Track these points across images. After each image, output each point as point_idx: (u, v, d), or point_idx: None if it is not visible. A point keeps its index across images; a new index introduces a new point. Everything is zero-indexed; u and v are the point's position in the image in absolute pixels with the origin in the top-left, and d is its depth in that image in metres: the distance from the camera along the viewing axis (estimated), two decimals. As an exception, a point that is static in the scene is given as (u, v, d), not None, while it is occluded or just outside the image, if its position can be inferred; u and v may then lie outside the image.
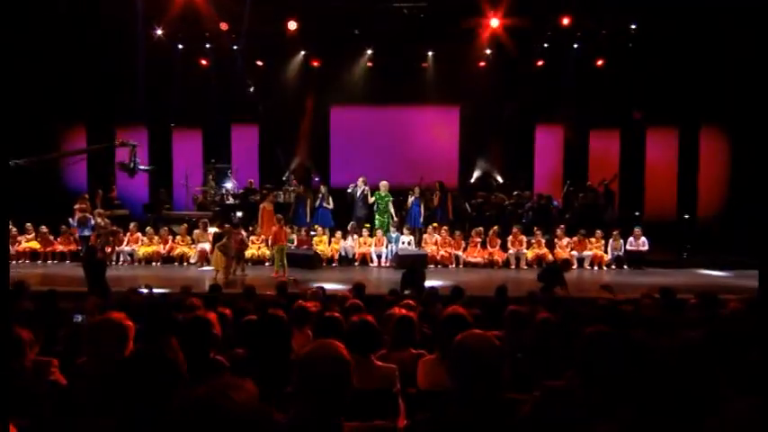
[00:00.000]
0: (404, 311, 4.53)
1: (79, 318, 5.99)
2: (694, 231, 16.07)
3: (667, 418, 2.45)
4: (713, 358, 3.11)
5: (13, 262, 14.17)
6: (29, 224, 14.75)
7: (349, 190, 15.88)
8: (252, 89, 19.39)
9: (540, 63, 18.41)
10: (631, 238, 14.57)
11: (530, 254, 14.32)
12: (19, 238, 14.68)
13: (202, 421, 1.76)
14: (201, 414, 1.77)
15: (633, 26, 17.06)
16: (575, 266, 13.71)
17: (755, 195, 16.11)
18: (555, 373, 3.27)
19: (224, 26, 17.07)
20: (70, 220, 14.57)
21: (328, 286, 9.18)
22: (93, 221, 13.94)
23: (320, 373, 2.32)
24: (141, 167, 13.66)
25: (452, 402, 2.45)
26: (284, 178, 18.47)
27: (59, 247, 14.79)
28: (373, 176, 16.09)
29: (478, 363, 2.40)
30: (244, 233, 14.00)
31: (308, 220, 15.49)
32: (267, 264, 14.12)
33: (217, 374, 2.70)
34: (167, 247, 14.74)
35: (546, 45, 18.10)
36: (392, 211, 15.41)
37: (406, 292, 8.84)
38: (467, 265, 14.32)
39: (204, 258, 14.23)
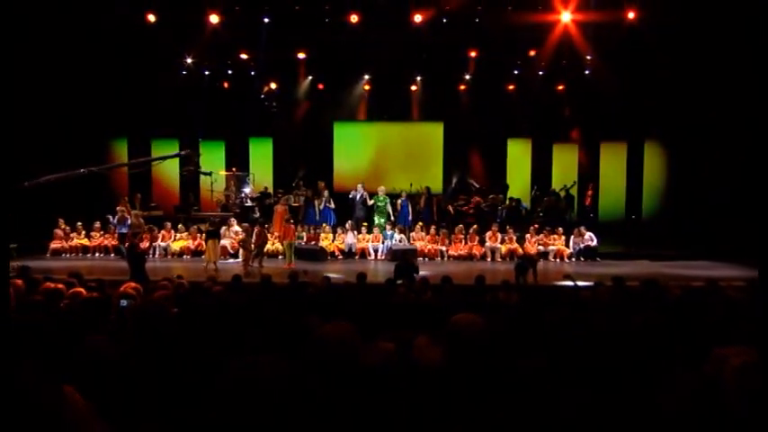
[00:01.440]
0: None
1: (125, 303, 6.24)
2: (639, 229, 16.16)
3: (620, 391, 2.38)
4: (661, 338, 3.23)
5: (67, 255, 14.28)
6: (79, 223, 14.74)
7: (350, 195, 15.83)
8: (274, 108, 19.38)
9: (511, 87, 18.49)
10: (579, 237, 14.33)
11: (503, 248, 14.18)
12: (72, 235, 14.65)
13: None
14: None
15: (588, 57, 17.10)
16: (540, 261, 13.63)
17: (689, 199, 16.49)
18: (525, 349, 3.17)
19: (244, 55, 17.36)
20: (111, 218, 14.66)
21: (333, 276, 9.18)
22: (129, 220, 14.14)
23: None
24: (201, 171, 13.97)
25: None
26: (293, 184, 18.55)
27: (104, 243, 14.69)
28: (370, 182, 16.17)
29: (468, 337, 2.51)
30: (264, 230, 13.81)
31: (317, 218, 15.46)
32: (280, 257, 14.06)
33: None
34: (196, 242, 14.65)
35: (516, 72, 18.19)
36: (389, 210, 15.27)
37: (399, 281, 8.81)
38: (450, 258, 14.23)
39: (227, 253, 14.16)
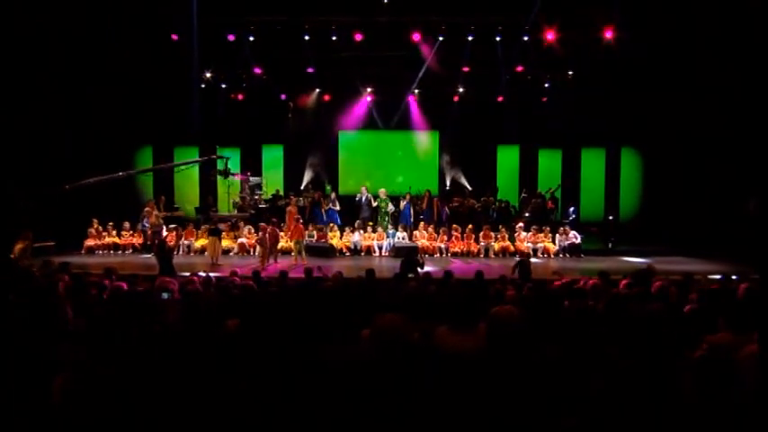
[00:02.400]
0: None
1: (165, 295, 5.85)
2: (617, 228, 16.05)
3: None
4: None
5: (99, 252, 14.30)
6: (111, 223, 14.75)
7: (357, 198, 15.87)
8: (289, 115, 19.25)
9: (500, 99, 18.49)
10: (562, 236, 14.32)
11: (497, 246, 14.21)
12: (104, 234, 14.66)
13: None
14: None
15: (570, 72, 17.38)
16: (532, 257, 13.64)
17: (662, 201, 16.65)
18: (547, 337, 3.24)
19: (257, 70, 17.43)
20: (144, 221, 14.65)
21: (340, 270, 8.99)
22: (149, 220, 14.13)
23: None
24: (232, 173, 14.17)
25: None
26: (302, 187, 18.59)
27: (132, 241, 14.69)
28: (372, 186, 16.27)
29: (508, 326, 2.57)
30: (278, 230, 13.71)
31: (324, 219, 15.47)
32: (292, 254, 13.72)
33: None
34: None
35: (505, 85, 18.16)
36: (391, 209, 15.29)
37: (410, 275, 8.87)
38: (449, 254, 14.25)
39: (244, 249, 14.23)
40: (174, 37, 15.54)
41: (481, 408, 2.20)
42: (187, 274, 9.01)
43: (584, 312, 3.67)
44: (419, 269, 9.59)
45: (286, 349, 2.72)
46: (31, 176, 13.30)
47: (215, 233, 12.97)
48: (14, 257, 10.95)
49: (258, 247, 13.37)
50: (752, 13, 11.09)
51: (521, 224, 14.74)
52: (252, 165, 18.87)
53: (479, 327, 3.23)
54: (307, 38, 15.93)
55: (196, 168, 17.85)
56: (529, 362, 2.43)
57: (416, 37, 15.95)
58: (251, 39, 15.97)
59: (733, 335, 2.89)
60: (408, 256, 10.69)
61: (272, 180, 18.70)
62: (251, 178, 17.92)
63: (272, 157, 19.82)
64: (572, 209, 16.62)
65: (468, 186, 18.86)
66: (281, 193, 17.77)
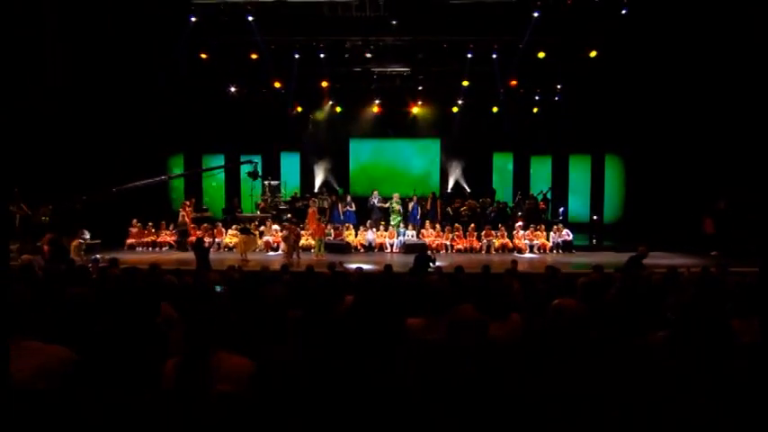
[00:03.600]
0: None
1: (219, 288, 5.67)
2: (601, 228, 16.25)
3: None
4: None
5: (139, 249, 14.55)
6: (150, 222, 14.96)
7: (369, 201, 16.20)
8: (309, 126, 19.46)
9: (495, 109, 18.70)
10: (556, 233, 14.58)
11: (497, 242, 14.42)
12: (143, 232, 14.87)
13: None
14: None
15: (559, 87, 17.69)
16: (528, 252, 14.07)
17: (643, 202, 16.94)
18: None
19: (277, 84, 17.71)
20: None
21: (353, 266, 9.24)
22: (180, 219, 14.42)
23: None
24: (260, 175, 14.73)
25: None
26: (316, 190, 18.79)
27: (167, 239, 14.84)
28: (381, 189, 16.62)
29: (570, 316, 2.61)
30: (299, 229, 13.93)
31: (341, 219, 15.76)
32: (312, 251, 14.02)
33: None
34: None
35: (500, 97, 18.25)
36: (399, 209, 15.49)
37: (431, 268, 9.04)
38: (454, 251, 14.40)
39: (269, 247, 14.37)
40: (204, 56, 15.85)
41: (518, 391, 2.16)
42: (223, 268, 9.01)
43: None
44: (432, 264, 9.73)
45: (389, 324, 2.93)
46: (79, 181, 13.61)
47: (245, 232, 13.21)
48: (71, 254, 11.33)
49: (282, 245, 13.64)
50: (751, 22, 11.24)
51: (520, 223, 14.97)
52: (271, 170, 19.06)
53: (512, 316, 3.31)
54: (322, 56, 16.25)
55: (222, 173, 18.13)
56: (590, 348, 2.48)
57: (420, 55, 16.27)
58: (272, 56, 16.25)
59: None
60: (422, 252, 10.89)
61: (290, 184, 18.85)
62: (271, 182, 18.28)
63: (290, 162, 20.00)
64: (561, 209, 16.92)
65: (468, 189, 19.05)
66: (298, 195, 17.96)
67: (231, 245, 14.49)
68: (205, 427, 2.14)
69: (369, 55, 16.21)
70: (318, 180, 19.74)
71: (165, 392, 2.26)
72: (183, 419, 2.18)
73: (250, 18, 14.31)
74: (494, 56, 16.19)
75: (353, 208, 16.15)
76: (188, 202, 15.04)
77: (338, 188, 18.90)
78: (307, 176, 19.77)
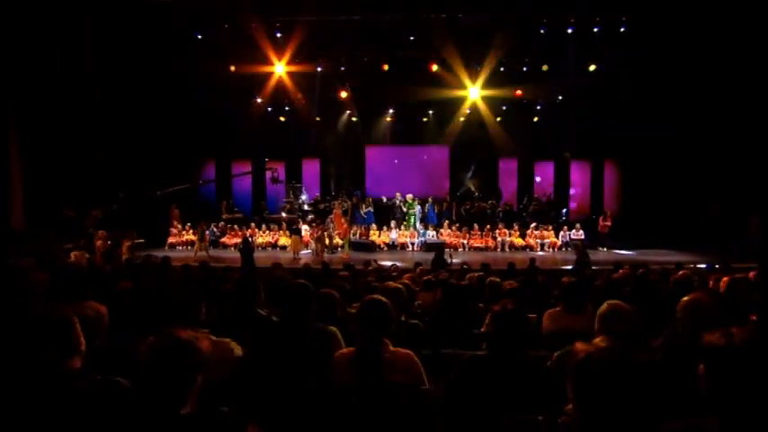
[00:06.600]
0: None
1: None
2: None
3: None
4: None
5: (179, 248, 15.12)
6: (189, 223, 15.53)
7: (391, 202, 16.83)
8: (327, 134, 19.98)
9: (498, 119, 19.10)
10: (573, 231, 15.18)
11: (518, 241, 14.92)
12: (183, 232, 15.41)
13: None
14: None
15: (560, 97, 18.37)
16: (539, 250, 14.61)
17: (639, 204, 17.43)
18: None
19: (299, 96, 18.37)
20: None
21: (387, 263, 9.91)
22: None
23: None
24: (281, 181, 15.32)
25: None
26: (333, 193, 19.27)
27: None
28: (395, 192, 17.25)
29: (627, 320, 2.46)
30: (323, 229, 14.37)
31: (363, 220, 16.37)
32: (339, 249, 14.59)
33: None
34: (275, 238, 15.40)
35: (504, 107, 19.01)
36: (418, 210, 15.97)
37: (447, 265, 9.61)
38: (470, 249, 14.81)
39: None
40: (232, 68, 16.60)
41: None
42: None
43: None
44: (448, 260, 10.38)
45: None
46: (119, 184, 14.30)
47: (296, 232, 13.73)
48: (124, 254, 12.04)
49: (312, 244, 14.32)
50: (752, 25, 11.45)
51: (533, 224, 15.59)
52: (294, 175, 19.64)
53: (588, 309, 3.39)
54: (342, 69, 17.04)
55: (250, 177, 18.79)
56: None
57: (435, 68, 17.06)
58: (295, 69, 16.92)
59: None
60: (438, 254, 11.30)
61: (311, 188, 19.42)
62: (294, 186, 18.89)
63: (311, 168, 20.48)
64: (564, 211, 17.60)
65: (476, 192, 19.57)
66: (319, 198, 18.57)
67: (263, 243, 15.14)
68: (388, 419, 2.13)
69: (386, 67, 16.97)
70: (337, 184, 20.21)
71: (343, 386, 2.23)
72: (365, 411, 2.15)
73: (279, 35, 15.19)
74: (501, 69, 16.95)
75: (372, 210, 16.84)
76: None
77: (357, 192, 19.49)
78: (327, 181, 20.30)
